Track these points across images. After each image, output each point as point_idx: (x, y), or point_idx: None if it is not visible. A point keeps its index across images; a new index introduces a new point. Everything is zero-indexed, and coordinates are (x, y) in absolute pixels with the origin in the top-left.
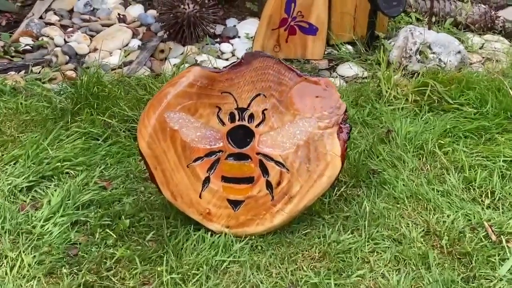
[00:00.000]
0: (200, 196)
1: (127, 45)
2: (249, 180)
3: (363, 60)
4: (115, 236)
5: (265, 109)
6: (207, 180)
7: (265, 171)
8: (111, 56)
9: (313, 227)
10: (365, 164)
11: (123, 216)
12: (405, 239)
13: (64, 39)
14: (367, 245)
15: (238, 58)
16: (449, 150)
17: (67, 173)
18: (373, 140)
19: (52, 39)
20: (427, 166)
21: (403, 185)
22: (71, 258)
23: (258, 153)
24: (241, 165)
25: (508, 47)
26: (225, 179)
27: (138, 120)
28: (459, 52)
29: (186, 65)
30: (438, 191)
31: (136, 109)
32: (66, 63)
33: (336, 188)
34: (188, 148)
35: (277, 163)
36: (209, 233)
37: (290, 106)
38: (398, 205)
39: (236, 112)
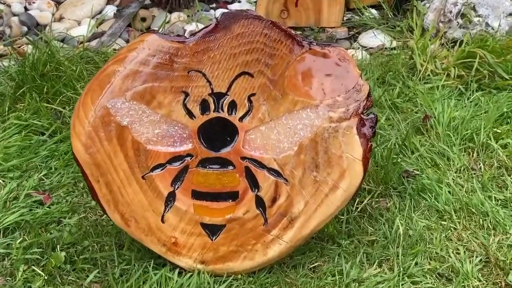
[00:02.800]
0: (162, 220)
1: (100, 12)
2: (232, 196)
3: (390, 27)
4: (44, 276)
5: (252, 94)
6: (171, 197)
7: (254, 183)
8: (79, 26)
9: (325, 258)
10: (396, 164)
11: (58, 246)
12: (456, 275)
13: (25, 7)
14: (402, 284)
15: None
16: (508, 143)
17: None
18: (408, 130)
19: (9, 6)
20: (479, 164)
21: (449, 192)
22: None
23: (243, 158)
24: (219, 174)
25: None
26: (197, 195)
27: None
28: (510, 14)
29: None
30: (497, 200)
31: None
32: (23, 35)
33: (357, 199)
34: (143, 152)
35: (271, 171)
36: (176, 271)
37: (288, 89)
38: (444, 223)
39: (210, 100)
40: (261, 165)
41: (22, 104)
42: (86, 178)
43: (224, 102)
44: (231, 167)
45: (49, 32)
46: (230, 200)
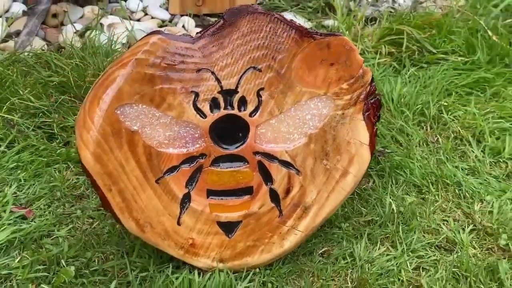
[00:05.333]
0: (178, 223)
1: (7, 11)
2: (247, 191)
3: (301, 8)
4: None
5: (261, 89)
6: (186, 199)
7: (267, 176)
8: None
9: (331, 242)
10: None
11: (62, 261)
12: (453, 245)
13: None
14: (409, 260)
15: (152, 17)
16: (458, 114)
17: None
18: None
19: None
20: (435, 136)
21: (420, 167)
22: None
23: (256, 152)
24: (233, 171)
25: None
26: (212, 193)
27: (76, 120)
28: None
29: (96, 33)
30: (463, 170)
31: (44, 96)
32: None
33: None
34: (155, 156)
35: (283, 163)
36: (196, 272)
37: (295, 81)
38: (425, 196)
39: (220, 97)
40: (273, 158)
41: None
42: (97, 188)
43: (234, 99)
44: (244, 163)
45: None
46: (245, 196)
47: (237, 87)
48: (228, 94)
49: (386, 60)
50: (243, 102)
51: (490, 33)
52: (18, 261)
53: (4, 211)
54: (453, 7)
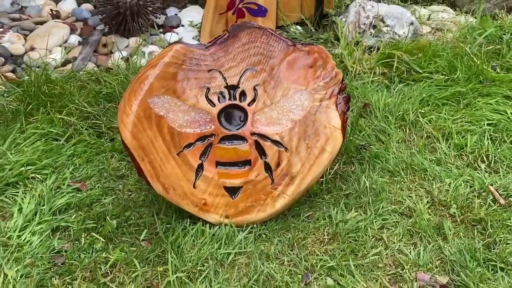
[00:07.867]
0: (194, 186)
1: (66, 41)
2: (246, 163)
3: (314, 40)
4: (103, 240)
5: (257, 85)
6: (200, 168)
7: (262, 152)
8: (50, 54)
9: (315, 208)
10: (351, 140)
11: (107, 217)
12: (412, 212)
13: None
14: (375, 221)
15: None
16: (432, 118)
17: (33, 178)
18: (357, 115)
19: None
20: (412, 136)
21: (394, 157)
22: (59, 267)
23: (253, 134)
24: (236, 148)
25: (454, 16)
26: (219, 164)
27: (118, 108)
28: (411, 23)
29: (138, 57)
30: (431, 160)
31: (96, 104)
32: (2, 64)
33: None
34: (176, 135)
35: (275, 142)
36: (207, 225)
37: (283, 79)
38: (396, 178)
39: (225, 91)
40: (266, 138)
41: (35, 118)
42: (134, 159)
43: (236, 92)
44: (244, 142)
45: (39, 58)
46: (245, 167)
47: (238, 83)
48: (232, 88)
49: (379, 78)
50: (243, 95)
51: (472, 56)
52: (74, 218)
53: (64, 184)
54: (443, 36)
